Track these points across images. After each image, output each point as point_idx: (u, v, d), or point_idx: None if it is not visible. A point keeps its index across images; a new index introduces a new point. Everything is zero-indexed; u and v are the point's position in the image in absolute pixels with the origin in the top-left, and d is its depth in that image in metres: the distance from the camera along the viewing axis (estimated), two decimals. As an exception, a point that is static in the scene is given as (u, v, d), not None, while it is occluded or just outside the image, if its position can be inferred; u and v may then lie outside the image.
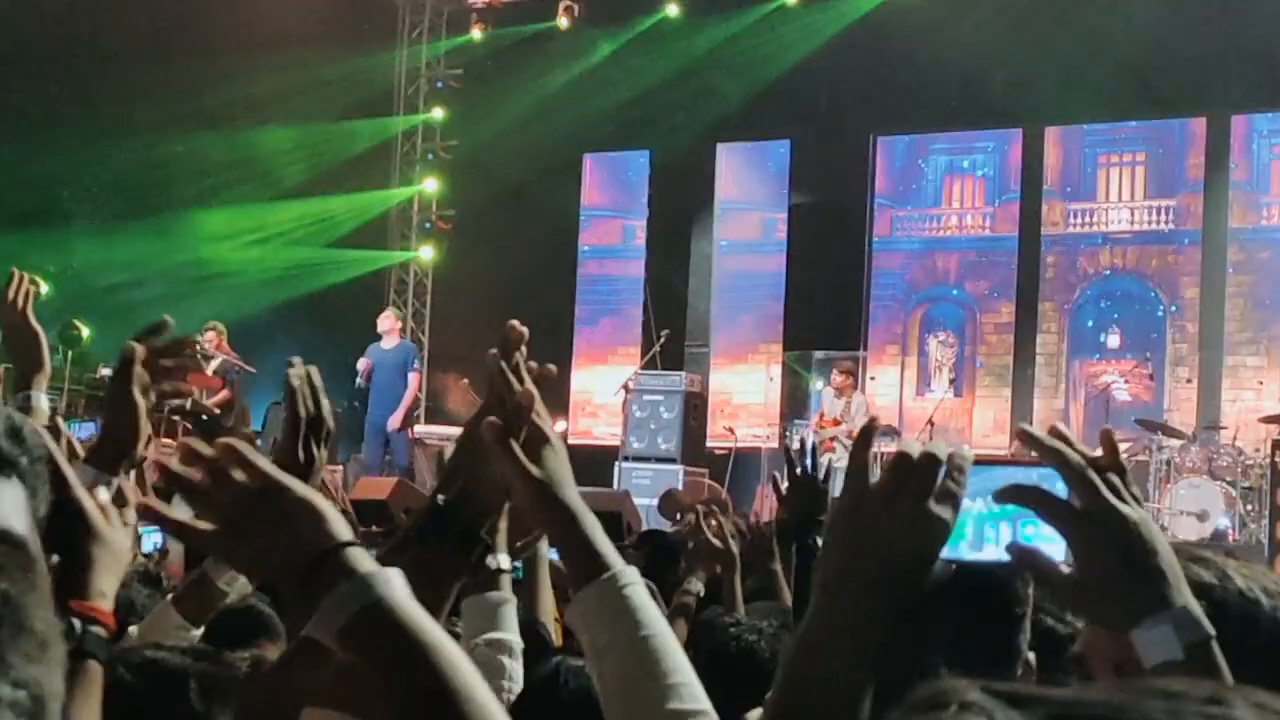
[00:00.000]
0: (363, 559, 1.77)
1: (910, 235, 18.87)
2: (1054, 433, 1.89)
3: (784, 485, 5.09)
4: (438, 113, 22.34)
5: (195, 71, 18.82)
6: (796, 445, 7.29)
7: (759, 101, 19.47)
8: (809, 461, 4.96)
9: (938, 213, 18.81)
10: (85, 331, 16.78)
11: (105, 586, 2.07)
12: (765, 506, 16.33)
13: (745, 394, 18.91)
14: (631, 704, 2.08)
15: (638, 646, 2.08)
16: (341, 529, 1.80)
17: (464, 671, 1.71)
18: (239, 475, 1.82)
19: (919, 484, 1.83)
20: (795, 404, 18.59)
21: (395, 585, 1.75)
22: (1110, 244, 18.05)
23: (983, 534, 1.92)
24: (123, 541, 2.10)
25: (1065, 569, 1.86)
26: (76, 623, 1.99)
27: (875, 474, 1.87)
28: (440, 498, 2.18)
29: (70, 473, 2.06)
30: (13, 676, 1.20)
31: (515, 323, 2.24)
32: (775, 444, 18.04)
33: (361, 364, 18.03)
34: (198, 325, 17.26)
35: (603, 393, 18.90)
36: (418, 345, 22.13)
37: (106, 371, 16.06)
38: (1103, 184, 18.11)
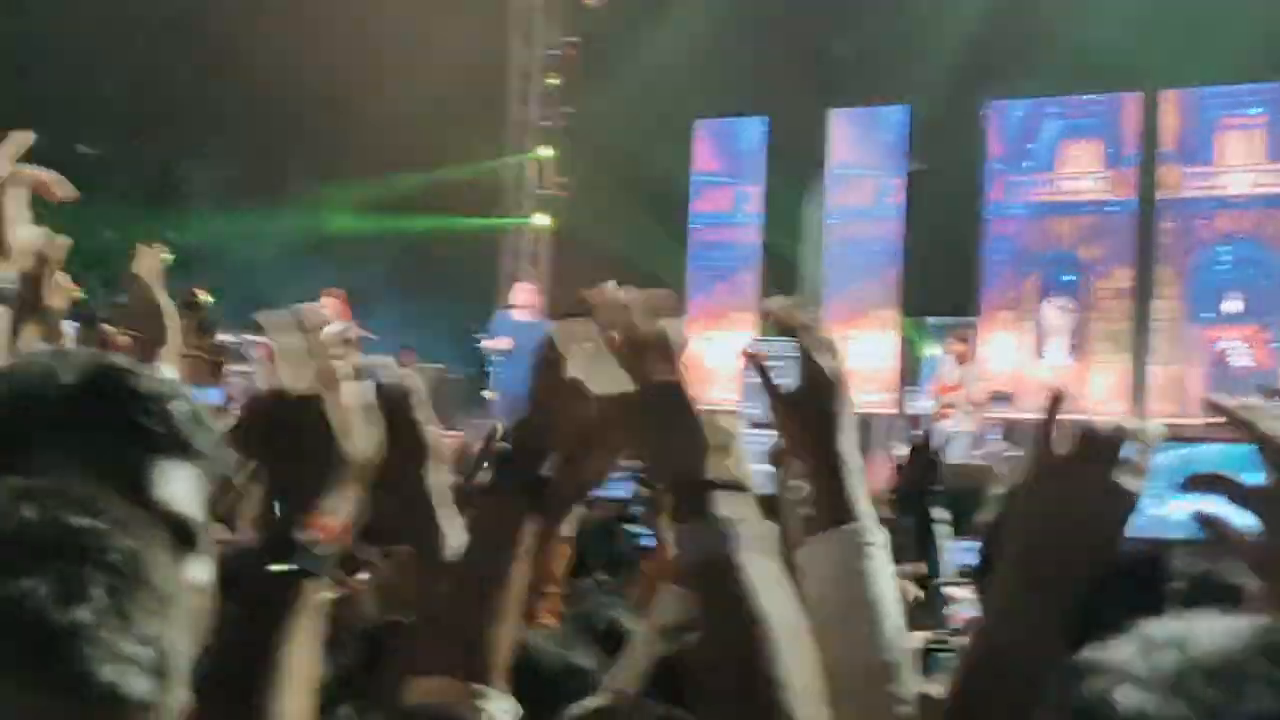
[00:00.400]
0: (736, 503, 1.80)
1: (1025, 200, 18.69)
2: (1243, 406, 1.86)
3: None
4: (553, 79, 22.42)
5: (307, 46, 18.99)
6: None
7: (873, 67, 19.36)
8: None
9: (1053, 177, 18.61)
10: (206, 299, 17.02)
11: (338, 505, 1.91)
12: (881, 472, 16.30)
13: (860, 360, 18.84)
14: (834, 659, 2.04)
15: (853, 606, 2.09)
16: (729, 463, 1.82)
17: (787, 655, 1.72)
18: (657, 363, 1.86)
19: (1106, 456, 1.85)
20: (911, 370, 18.53)
21: (756, 545, 1.77)
22: (1229, 208, 17.78)
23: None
24: (362, 453, 1.96)
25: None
26: (294, 537, 1.86)
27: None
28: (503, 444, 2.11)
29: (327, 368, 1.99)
30: (137, 633, 1.21)
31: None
32: (893, 410, 17.99)
33: (503, 343, 17.88)
34: (316, 293, 17.46)
35: (716, 358, 18.91)
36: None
37: (225, 338, 16.29)
38: (1222, 147, 17.83)
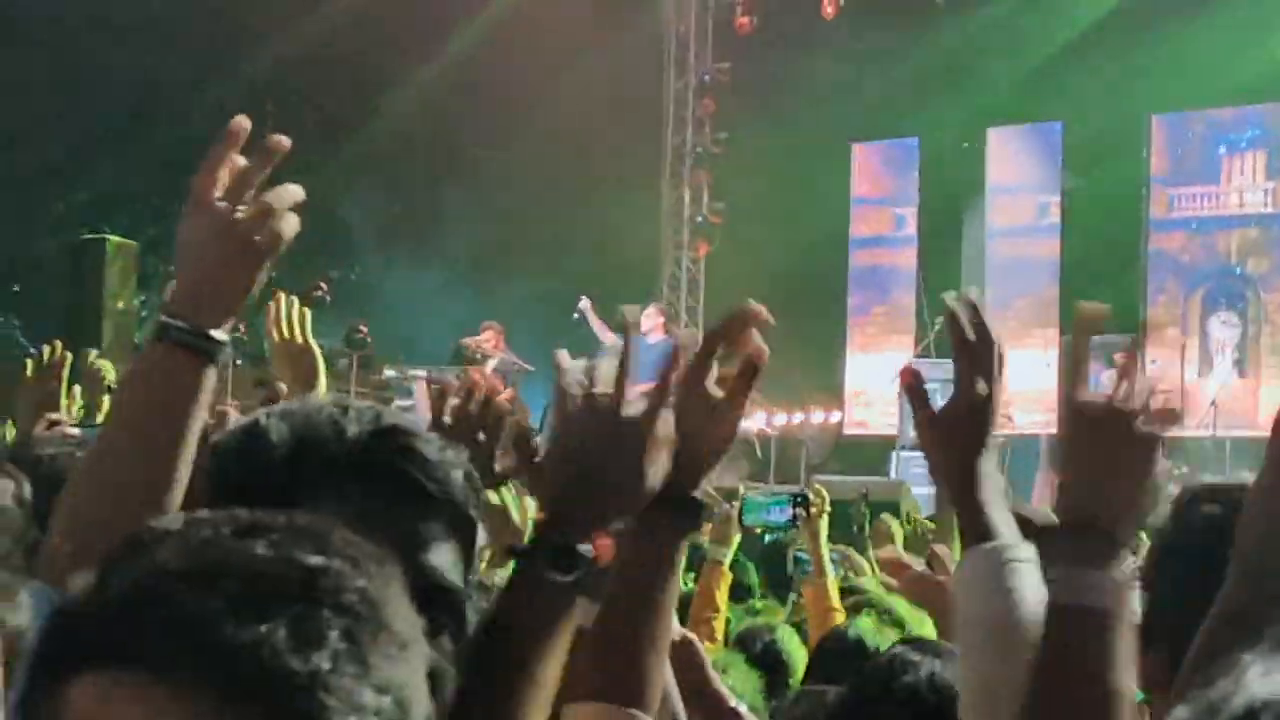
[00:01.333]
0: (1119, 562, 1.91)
1: (1188, 214, 18.36)
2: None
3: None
4: (708, 106, 22.46)
5: (461, 76, 19.19)
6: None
7: (1029, 84, 19.20)
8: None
9: (1216, 190, 18.26)
10: (369, 334, 17.22)
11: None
12: (1046, 492, 16.09)
13: (1022, 380, 18.61)
14: (988, 681, 2.07)
15: (1003, 626, 2.07)
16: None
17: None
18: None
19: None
20: (1073, 389, 18.25)
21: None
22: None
23: None
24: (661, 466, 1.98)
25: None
26: (586, 551, 1.88)
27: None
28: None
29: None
30: (375, 680, 1.14)
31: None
32: (1054, 430, 17.72)
33: (610, 335, 17.88)
34: (476, 325, 17.61)
35: (877, 381, 18.82)
36: (695, 341, 22.24)
37: (388, 373, 16.44)
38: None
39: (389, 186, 20.35)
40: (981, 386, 2.26)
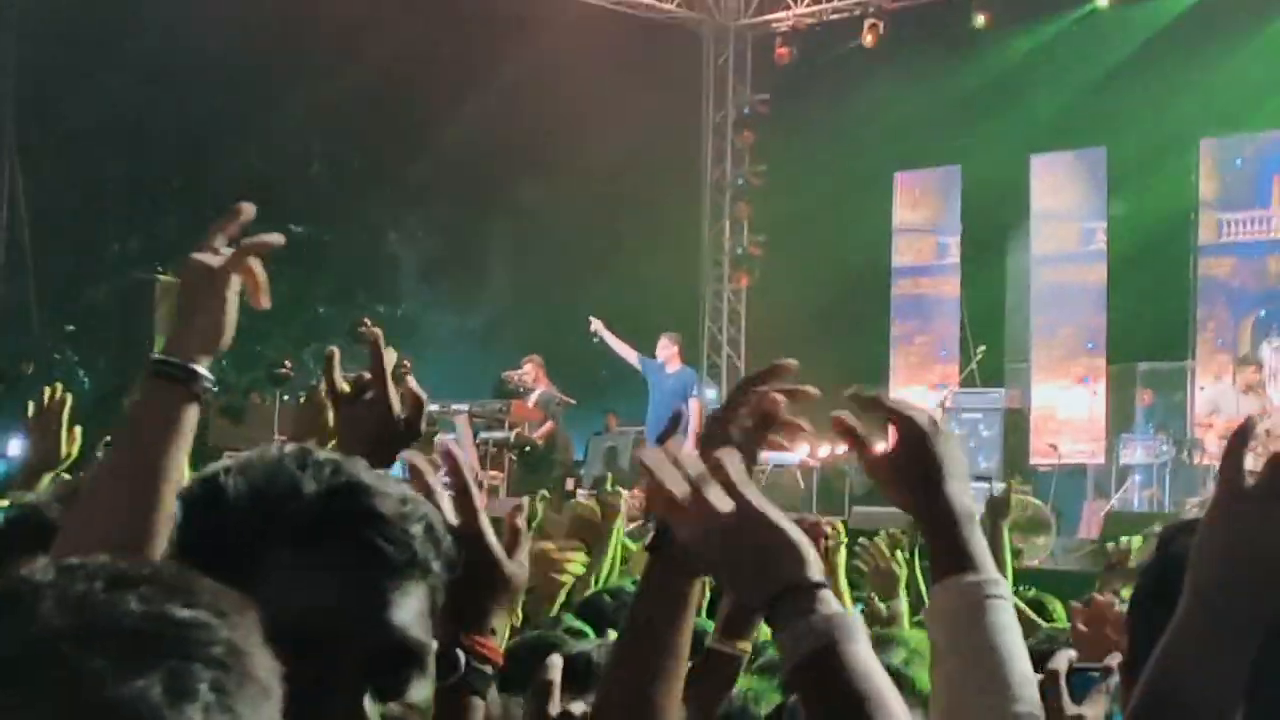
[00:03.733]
0: (830, 601, 1.81)
1: (1239, 239, 18.14)
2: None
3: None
4: (747, 138, 22.47)
5: (506, 116, 19.30)
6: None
7: (1073, 109, 19.12)
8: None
9: (1267, 214, 18.03)
10: (412, 369, 17.21)
11: (498, 623, 2.10)
12: (1093, 523, 15.97)
13: (1069, 409, 18.48)
14: (970, 716, 2.05)
15: (983, 657, 2.04)
16: (816, 569, 1.83)
17: None
18: (717, 497, 1.85)
19: None
20: (1121, 417, 18.09)
21: (858, 634, 1.79)
22: None
23: None
24: (521, 576, 2.13)
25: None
26: (461, 656, 2.03)
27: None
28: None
29: (477, 501, 2.11)
30: None
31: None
32: (1102, 460, 17.59)
33: (625, 345, 17.81)
34: (518, 359, 17.64)
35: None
36: (733, 371, 22.26)
37: (432, 408, 16.47)
38: None
39: (434, 223, 20.45)
40: (919, 414, 2.18)
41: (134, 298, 16.80)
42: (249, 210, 2.26)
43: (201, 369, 2.19)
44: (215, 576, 1.31)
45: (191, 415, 2.18)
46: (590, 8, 20.71)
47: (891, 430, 2.18)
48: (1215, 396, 16.87)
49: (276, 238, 2.25)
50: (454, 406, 16.47)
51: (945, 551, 2.09)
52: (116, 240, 20.05)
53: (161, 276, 17.39)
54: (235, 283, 2.20)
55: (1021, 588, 6.30)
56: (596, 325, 17.85)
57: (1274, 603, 1.78)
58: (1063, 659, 2.55)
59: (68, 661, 1.16)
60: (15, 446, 11.05)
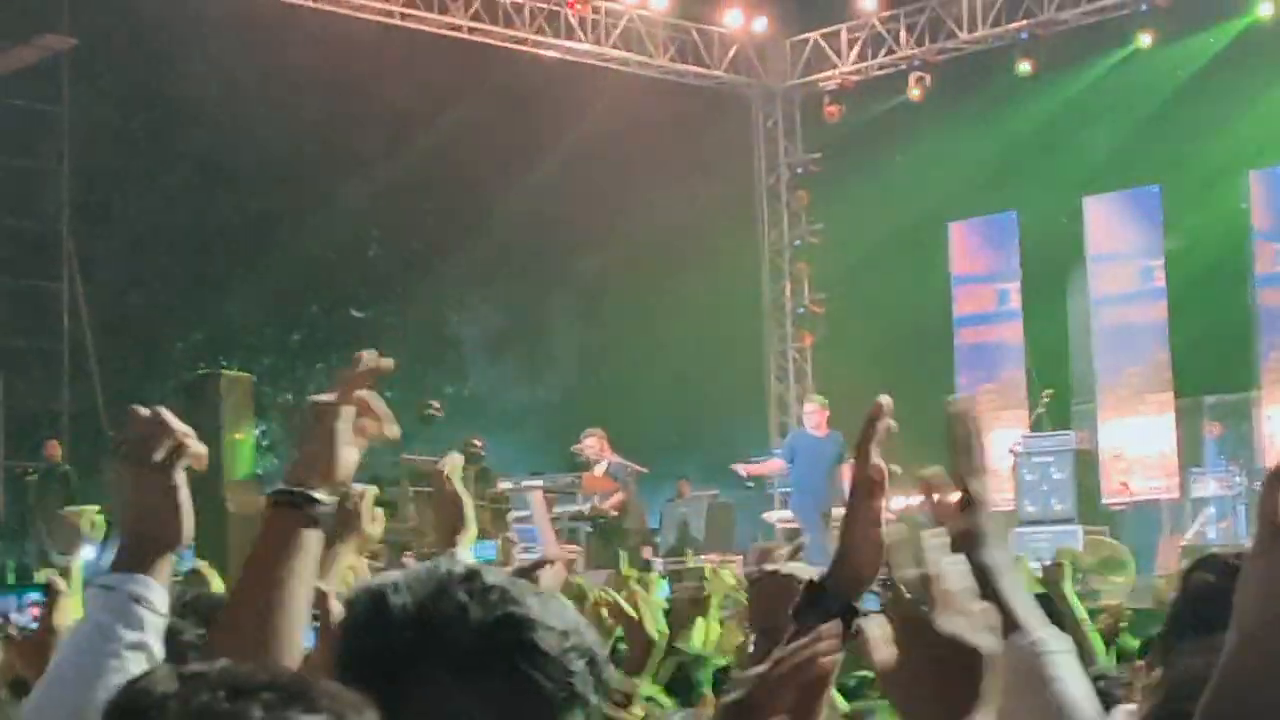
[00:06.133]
0: None
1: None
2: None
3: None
4: (801, 198, 22.58)
5: (560, 189, 19.45)
6: None
7: (1123, 149, 19.17)
8: None
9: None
10: (484, 448, 17.32)
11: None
12: (1170, 558, 15.90)
13: (1139, 446, 18.44)
14: None
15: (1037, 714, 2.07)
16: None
17: None
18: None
19: None
20: (1191, 452, 18.03)
21: None
22: None
23: None
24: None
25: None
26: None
27: None
28: (816, 577, 2.19)
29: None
30: None
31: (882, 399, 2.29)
32: (1175, 495, 17.54)
33: (769, 467, 17.80)
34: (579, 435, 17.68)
35: (993, 459, 18.66)
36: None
37: (505, 485, 16.53)
38: None
39: (495, 300, 20.59)
40: (971, 486, 2.25)
41: (198, 392, 16.90)
42: (371, 359, 2.33)
43: (319, 494, 2.26)
44: (370, 691, 1.35)
45: (312, 539, 2.26)
46: (638, 79, 20.86)
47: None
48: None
49: (386, 363, 2.33)
50: (525, 483, 16.47)
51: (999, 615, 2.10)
52: (179, 338, 20.21)
53: (226, 371, 17.52)
54: (347, 414, 2.29)
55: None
56: (741, 469, 17.70)
57: None
58: (1121, 715, 2.56)
59: None
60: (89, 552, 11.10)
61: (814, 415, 17.40)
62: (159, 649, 2.28)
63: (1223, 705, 1.76)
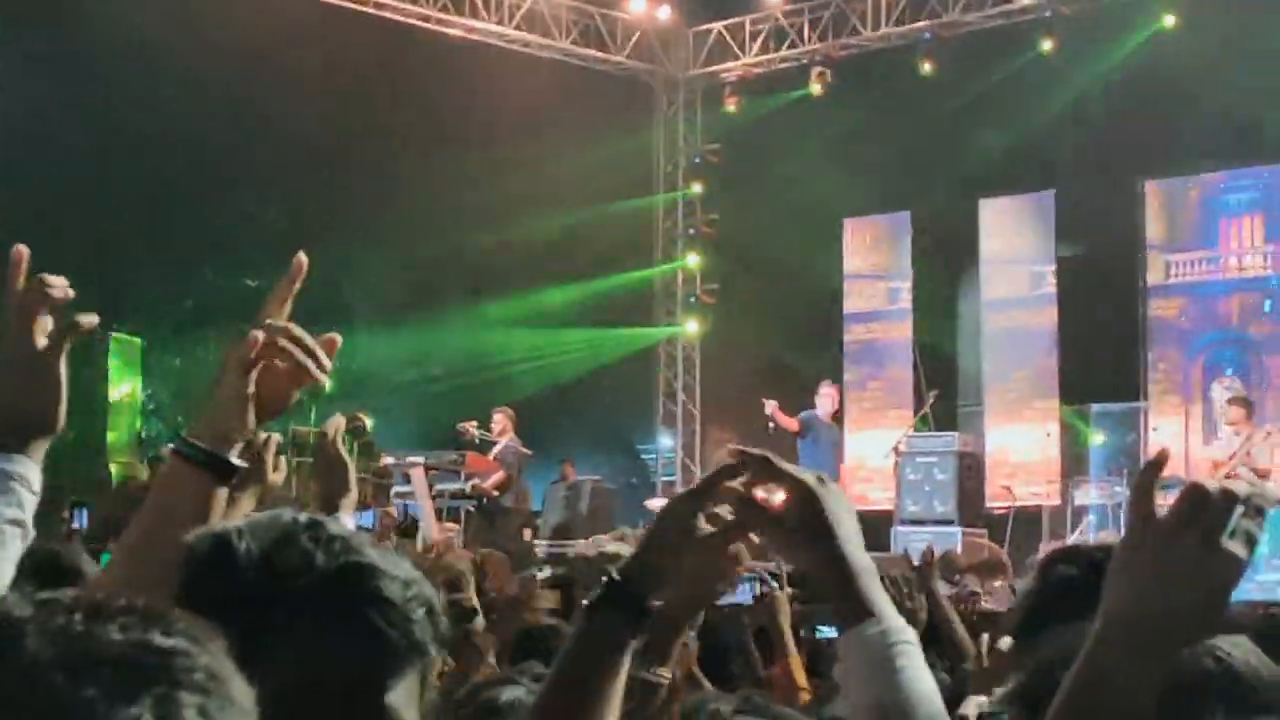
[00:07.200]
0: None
1: (1186, 280, 18.25)
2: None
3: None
4: (697, 188, 22.60)
5: (460, 166, 19.38)
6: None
7: (1020, 154, 19.27)
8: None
9: (1214, 255, 18.15)
10: (369, 423, 17.25)
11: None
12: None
13: (1023, 452, 18.57)
14: None
15: (895, 708, 2.08)
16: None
17: None
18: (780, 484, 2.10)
19: (1210, 520, 1.76)
20: (1075, 460, 18.18)
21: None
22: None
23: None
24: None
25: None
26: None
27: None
28: (613, 573, 2.21)
29: None
30: None
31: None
32: (1057, 501, 17.67)
33: (790, 420, 17.73)
34: (480, 410, 17.63)
35: (875, 457, 18.75)
36: (688, 418, 22.32)
37: (388, 460, 16.48)
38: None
39: (389, 275, 20.50)
40: (807, 477, 2.20)
41: (86, 353, 16.81)
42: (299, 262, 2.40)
43: (231, 455, 2.25)
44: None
45: (219, 498, 2.24)
46: (540, 60, 20.86)
47: (780, 493, 2.21)
48: (1167, 437, 16.94)
49: (301, 261, 2.40)
50: (409, 459, 16.45)
51: (847, 605, 2.14)
52: (71, 299, 20.05)
53: (116, 333, 17.43)
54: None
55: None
56: (770, 408, 17.56)
57: (1184, 633, 1.80)
58: (972, 706, 2.59)
59: (60, 692, 1.17)
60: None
61: (828, 399, 17.64)
62: (32, 530, 2.25)
63: (1086, 691, 1.78)
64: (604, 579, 2.20)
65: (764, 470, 2.19)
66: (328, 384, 2.31)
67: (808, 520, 2.15)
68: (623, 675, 2.14)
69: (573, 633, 2.22)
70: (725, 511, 2.19)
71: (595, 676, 2.12)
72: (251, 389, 2.26)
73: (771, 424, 17.50)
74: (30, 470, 2.27)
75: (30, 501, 2.26)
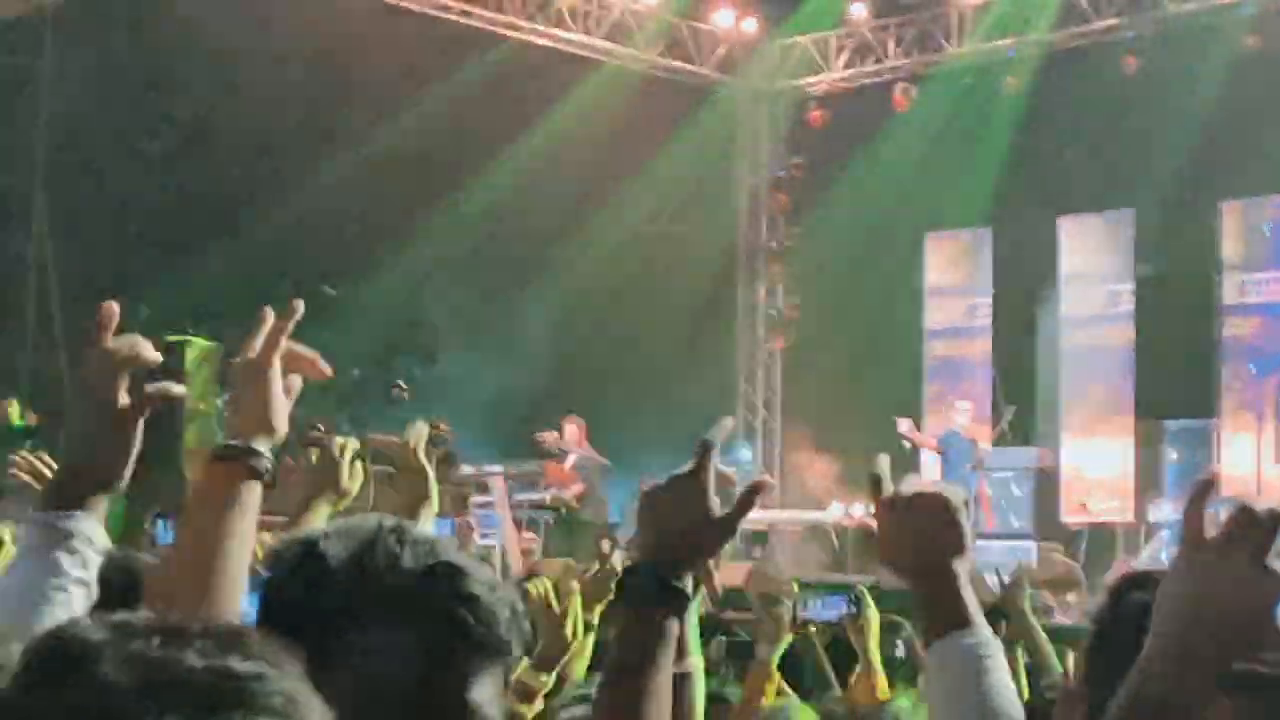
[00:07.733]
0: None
1: (1262, 299, 18.21)
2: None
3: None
4: (781, 201, 22.64)
5: (540, 178, 19.48)
6: None
7: (1099, 172, 19.27)
8: None
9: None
10: (449, 432, 17.34)
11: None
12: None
13: (1098, 468, 18.56)
14: None
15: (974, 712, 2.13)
16: None
17: None
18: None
19: (1258, 540, 1.80)
20: (1150, 476, 18.15)
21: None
22: None
23: None
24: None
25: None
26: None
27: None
28: (625, 562, 2.26)
29: None
30: None
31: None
32: (1130, 518, 17.67)
33: (928, 439, 17.82)
34: (557, 423, 17.70)
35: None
36: (769, 433, 22.37)
37: (467, 469, 16.55)
38: None
39: (469, 284, 20.57)
40: (957, 491, 2.27)
41: (164, 359, 17.02)
42: (292, 312, 2.41)
43: (260, 446, 2.26)
44: (303, 639, 1.37)
45: (252, 492, 2.24)
46: (626, 72, 20.88)
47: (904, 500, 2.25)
48: (1239, 455, 16.92)
49: (297, 309, 2.41)
50: (488, 468, 16.50)
51: (946, 609, 2.17)
52: (148, 303, 20.24)
53: (194, 338, 17.58)
54: (275, 367, 2.35)
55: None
56: (905, 427, 17.55)
57: (1233, 650, 1.81)
58: None
59: (137, 719, 1.18)
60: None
61: (969, 414, 17.62)
62: (96, 589, 2.28)
63: (1138, 706, 1.82)
64: (619, 574, 2.21)
65: (877, 488, 2.26)
66: (329, 371, 2.40)
67: (943, 528, 2.20)
68: (669, 664, 2.11)
69: (613, 636, 2.22)
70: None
71: (640, 671, 2.09)
72: (279, 388, 2.32)
73: (906, 441, 17.41)
74: (94, 528, 2.29)
75: (95, 561, 2.28)
